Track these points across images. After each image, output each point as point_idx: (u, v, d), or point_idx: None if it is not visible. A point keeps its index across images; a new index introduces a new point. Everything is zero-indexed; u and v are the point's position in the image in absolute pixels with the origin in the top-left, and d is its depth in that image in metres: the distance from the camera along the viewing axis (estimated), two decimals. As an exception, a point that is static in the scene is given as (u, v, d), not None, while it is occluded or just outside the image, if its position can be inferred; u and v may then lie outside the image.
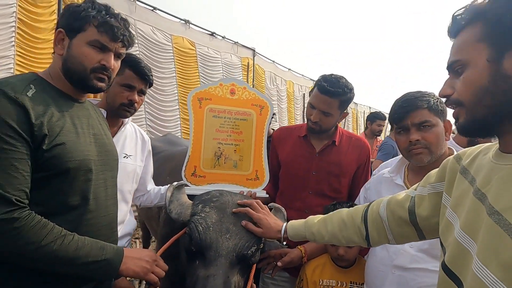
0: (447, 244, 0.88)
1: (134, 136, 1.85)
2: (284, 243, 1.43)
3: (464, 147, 1.31)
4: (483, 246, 0.74)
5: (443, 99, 0.89)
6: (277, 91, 10.23)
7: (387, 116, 4.73)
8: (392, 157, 2.33)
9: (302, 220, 1.35)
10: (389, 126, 5.09)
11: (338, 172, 1.87)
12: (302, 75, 12.37)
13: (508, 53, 0.75)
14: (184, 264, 1.44)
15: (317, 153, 1.90)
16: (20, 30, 4.46)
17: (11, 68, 4.40)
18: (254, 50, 9.38)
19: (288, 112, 11.11)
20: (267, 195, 1.81)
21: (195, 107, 1.75)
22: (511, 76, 0.75)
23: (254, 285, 1.46)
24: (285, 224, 1.36)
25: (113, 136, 1.71)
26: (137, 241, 4.43)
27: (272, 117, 2.00)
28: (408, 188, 1.52)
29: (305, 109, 2.05)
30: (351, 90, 1.82)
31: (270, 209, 1.52)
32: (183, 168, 1.71)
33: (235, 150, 1.78)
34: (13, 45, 4.41)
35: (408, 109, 1.46)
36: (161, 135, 4.51)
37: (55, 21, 4.92)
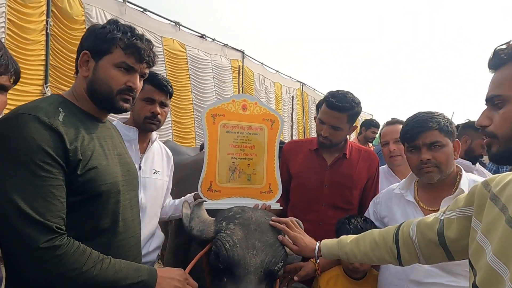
0: (478, 267, 0.94)
1: (160, 152, 1.90)
2: (317, 261, 1.46)
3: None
4: None
5: (479, 128, 0.95)
6: (266, 93, 10.29)
7: (379, 124, 4.95)
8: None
9: (335, 240, 1.40)
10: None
11: (350, 184, 1.93)
12: (290, 77, 12.47)
13: None
14: (208, 281, 1.45)
15: (328, 166, 1.96)
16: (10, 31, 4.33)
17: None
18: (243, 52, 9.40)
19: (276, 114, 11.16)
20: (281, 207, 1.85)
21: (209, 123, 1.78)
22: None
23: None
24: (318, 243, 1.41)
25: (143, 152, 1.77)
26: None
27: None
28: (418, 204, 1.60)
29: (315, 123, 2.10)
30: (358, 104, 1.90)
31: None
32: (199, 183, 1.73)
33: (248, 164, 1.82)
34: (2, 47, 4.29)
35: (420, 129, 1.53)
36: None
37: (44, 22, 4.82)
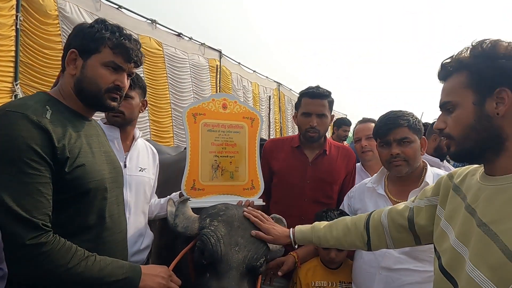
0: (442, 250, 1.06)
1: (145, 150, 1.91)
2: (296, 246, 1.52)
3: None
4: (474, 251, 0.92)
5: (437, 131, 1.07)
6: (244, 92, 10.35)
7: (352, 122, 5.13)
8: None
9: (309, 226, 1.49)
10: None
11: (331, 180, 2.04)
12: (266, 77, 12.58)
13: (488, 98, 0.95)
14: (193, 277, 1.47)
15: (310, 162, 2.06)
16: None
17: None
18: (220, 52, 9.41)
19: (253, 113, 11.23)
20: (264, 203, 1.91)
21: (190, 122, 1.80)
22: (492, 116, 0.94)
23: None
24: (291, 229, 1.50)
25: (128, 150, 1.77)
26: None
27: None
28: (388, 197, 1.72)
29: (297, 120, 2.17)
30: (331, 93, 2.09)
31: (272, 219, 1.62)
32: (183, 182, 1.74)
33: (230, 162, 1.86)
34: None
35: (391, 126, 1.66)
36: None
37: (14, 17, 4.64)
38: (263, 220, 1.53)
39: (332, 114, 2.11)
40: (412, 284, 1.51)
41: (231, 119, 1.90)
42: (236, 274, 1.33)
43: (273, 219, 1.62)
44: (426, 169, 1.69)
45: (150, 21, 7.13)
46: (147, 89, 1.95)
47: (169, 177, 2.07)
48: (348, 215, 1.83)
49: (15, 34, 4.61)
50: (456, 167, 3.70)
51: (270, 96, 12.13)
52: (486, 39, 0.97)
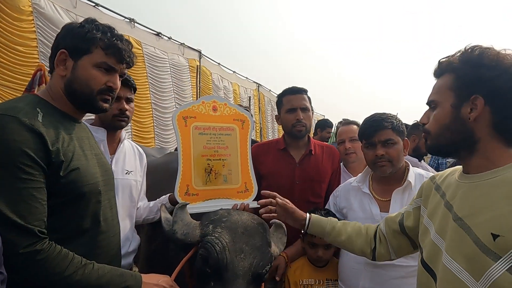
0: (424, 245, 1.15)
1: (132, 152, 1.87)
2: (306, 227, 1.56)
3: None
4: (450, 243, 1.01)
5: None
6: (225, 93, 10.33)
7: (333, 123, 5.30)
8: None
9: (324, 217, 1.56)
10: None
11: (319, 178, 2.10)
12: (246, 77, 12.62)
13: (465, 103, 1.03)
14: (190, 286, 1.45)
15: (297, 163, 2.10)
16: None
17: None
18: (200, 52, 9.35)
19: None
20: (259, 205, 1.90)
21: (181, 126, 1.76)
22: (465, 120, 1.03)
23: None
24: (308, 214, 1.56)
25: (113, 153, 1.73)
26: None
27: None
28: (373, 195, 1.80)
29: (281, 121, 2.23)
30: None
31: (270, 226, 1.61)
32: (176, 188, 1.69)
33: (223, 165, 1.83)
34: None
35: (376, 128, 1.74)
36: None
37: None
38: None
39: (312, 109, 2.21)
40: (396, 278, 1.59)
41: (221, 121, 1.87)
42: (243, 283, 1.29)
43: (270, 226, 1.61)
44: (408, 169, 1.78)
45: (128, 20, 6.99)
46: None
47: (157, 180, 2.03)
48: (335, 214, 1.90)
49: (-14, 30, 4.41)
50: (432, 166, 3.92)
51: (250, 97, 12.16)
52: (477, 46, 1.04)
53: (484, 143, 1.02)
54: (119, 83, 1.30)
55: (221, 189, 1.82)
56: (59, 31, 1.28)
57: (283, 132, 2.27)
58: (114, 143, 1.78)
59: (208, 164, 1.80)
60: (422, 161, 3.16)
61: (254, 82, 13.30)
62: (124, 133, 1.88)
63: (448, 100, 1.06)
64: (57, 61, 1.22)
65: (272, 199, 1.56)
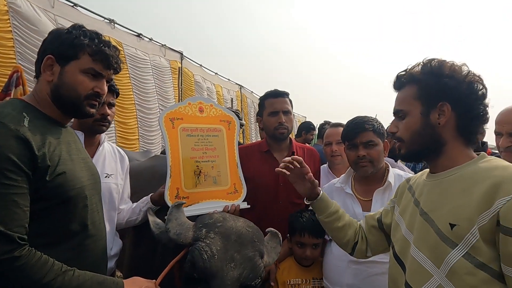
0: (395, 240, 1.25)
1: (112, 154, 1.84)
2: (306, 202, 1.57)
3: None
4: (417, 236, 1.12)
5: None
6: (208, 94, 10.30)
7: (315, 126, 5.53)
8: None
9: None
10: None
11: None
12: (228, 79, 12.62)
13: (433, 110, 1.13)
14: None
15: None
16: None
17: None
18: (181, 54, 9.28)
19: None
20: (249, 206, 1.89)
21: (168, 128, 1.73)
22: (434, 125, 1.13)
23: None
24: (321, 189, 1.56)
25: (92, 156, 1.71)
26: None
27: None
28: (355, 195, 1.86)
29: (263, 124, 2.26)
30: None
31: (266, 234, 1.57)
32: (166, 192, 1.66)
33: (212, 167, 1.82)
34: None
35: (358, 130, 1.81)
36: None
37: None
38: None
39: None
40: (378, 274, 1.67)
41: (208, 122, 1.87)
42: None
43: (266, 234, 1.59)
44: (388, 170, 1.86)
45: (108, 21, 6.87)
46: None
47: (143, 185, 2.00)
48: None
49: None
50: (408, 166, 4.09)
51: (232, 98, 12.18)
52: (434, 58, 1.15)
53: (449, 145, 1.13)
54: (106, 88, 1.31)
55: (211, 191, 1.81)
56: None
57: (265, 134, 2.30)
58: (93, 146, 1.76)
59: (197, 166, 1.79)
60: (399, 161, 3.28)
61: (236, 83, 13.32)
62: (104, 135, 1.85)
63: (417, 108, 1.15)
64: (44, 66, 1.21)
65: (297, 163, 1.53)
